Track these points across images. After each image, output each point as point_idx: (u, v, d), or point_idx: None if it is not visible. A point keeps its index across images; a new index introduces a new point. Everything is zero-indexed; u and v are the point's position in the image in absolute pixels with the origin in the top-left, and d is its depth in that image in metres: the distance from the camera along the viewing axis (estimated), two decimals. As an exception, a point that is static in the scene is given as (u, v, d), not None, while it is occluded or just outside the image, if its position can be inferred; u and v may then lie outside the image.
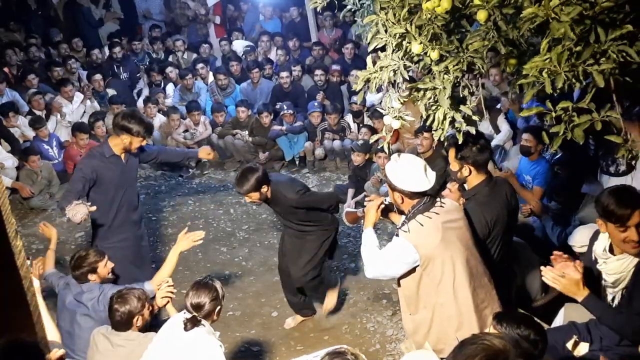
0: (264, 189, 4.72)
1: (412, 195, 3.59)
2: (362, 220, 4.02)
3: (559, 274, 3.30)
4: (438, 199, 3.67)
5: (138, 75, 11.00)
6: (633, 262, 3.28)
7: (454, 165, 4.17)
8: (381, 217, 3.95)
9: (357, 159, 7.85)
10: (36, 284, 3.65)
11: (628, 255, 3.29)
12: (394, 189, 3.62)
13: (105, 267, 4.38)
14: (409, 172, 3.56)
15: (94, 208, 4.69)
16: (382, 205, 3.83)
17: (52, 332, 3.64)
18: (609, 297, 3.47)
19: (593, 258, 3.54)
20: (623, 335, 3.38)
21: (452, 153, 4.16)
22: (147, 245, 5.66)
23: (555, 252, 3.59)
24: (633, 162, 5.39)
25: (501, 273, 4.21)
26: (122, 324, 3.86)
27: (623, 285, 3.36)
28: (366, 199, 4.01)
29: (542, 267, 3.41)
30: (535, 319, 4.02)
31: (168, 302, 4.19)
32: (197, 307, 3.63)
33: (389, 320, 5.55)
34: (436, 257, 3.55)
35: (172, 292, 4.18)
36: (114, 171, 5.06)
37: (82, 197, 4.93)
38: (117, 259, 4.99)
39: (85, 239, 7.33)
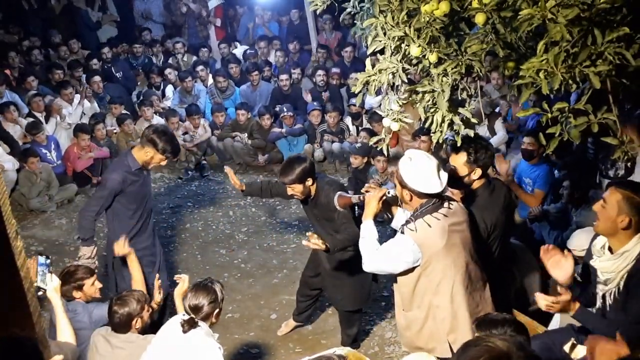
0: (309, 182, 4.51)
1: (422, 195, 3.54)
2: (355, 207, 3.97)
3: (553, 300, 3.32)
4: (447, 200, 3.63)
5: (138, 78, 11.01)
6: (624, 264, 3.29)
7: (462, 170, 4.08)
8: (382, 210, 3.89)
9: (356, 161, 7.89)
10: (56, 282, 3.64)
11: (620, 257, 3.30)
12: (404, 186, 3.56)
13: (92, 285, 4.25)
14: (422, 172, 3.49)
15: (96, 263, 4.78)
16: (384, 197, 3.76)
17: (67, 333, 3.62)
18: (600, 294, 3.47)
19: (591, 254, 3.56)
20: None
21: (462, 157, 4.05)
22: (159, 252, 5.41)
23: (542, 247, 3.59)
24: (629, 164, 5.43)
25: (499, 275, 4.22)
26: (120, 325, 3.87)
27: (613, 285, 3.35)
28: (366, 187, 3.90)
29: (536, 295, 3.42)
30: (523, 317, 4.06)
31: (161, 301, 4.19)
32: (195, 309, 3.63)
33: (387, 322, 5.56)
34: (438, 260, 3.53)
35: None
36: (138, 184, 4.97)
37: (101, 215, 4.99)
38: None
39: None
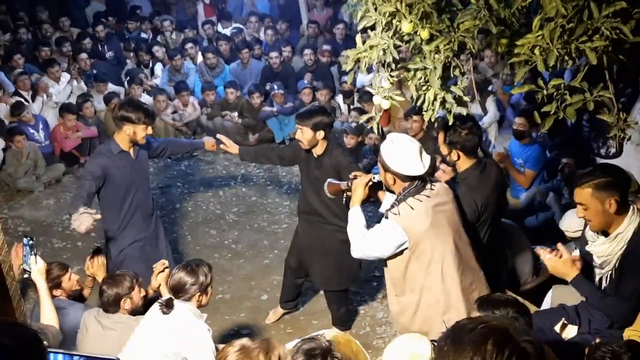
0: (320, 134, 4.48)
1: (405, 177, 3.54)
2: (345, 194, 3.95)
3: (554, 254, 3.31)
4: (429, 182, 3.62)
5: (127, 55, 10.86)
6: (619, 246, 3.28)
7: (443, 150, 4.13)
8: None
9: (350, 141, 7.82)
10: (40, 264, 3.52)
11: (615, 240, 3.28)
12: (387, 169, 3.57)
13: (70, 280, 4.18)
14: (404, 154, 3.50)
15: (98, 216, 4.42)
16: (370, 183, 3.77)
17: (50, 316, 3.53)
18: (597, 278, 3.48)
19: (586, 240, 3.54)
20: (608, 317, 3.40)
21: (441, 137, 4.11)
22: (165, 247, 5.23)
23: (537, 250, 3.58)
24: (625, 143, 5.39)
25: (491, 256, 4.19)
26: (109, 305, 3.85)
27: (609, 268, 3.36)
28: (352, 174, 3.91)
29: (538, 248, 3.41)
30: (519, 298, 4.04)
31: (160, 284, 4.12)
32: (176, 289, 3.61)
33: (379, 303, 5.53)
34: (425, 241, 3.52)
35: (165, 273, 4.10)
36: (123, 169, 4.79)
37: (91, 200, 4.69)
38: (129, 261, 4.81)
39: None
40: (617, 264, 3.31)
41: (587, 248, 3.47)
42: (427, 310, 3.64)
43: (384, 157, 3.56)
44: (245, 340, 2.69)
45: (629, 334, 3.23)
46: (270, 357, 2.51)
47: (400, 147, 3.52)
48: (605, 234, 3.34)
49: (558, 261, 3.38)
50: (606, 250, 3.33)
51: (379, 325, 5.27)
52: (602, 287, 3.42)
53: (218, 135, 5.19)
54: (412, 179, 3.55)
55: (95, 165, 4.74)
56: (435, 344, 3.53)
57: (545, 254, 3.38)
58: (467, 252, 3.70)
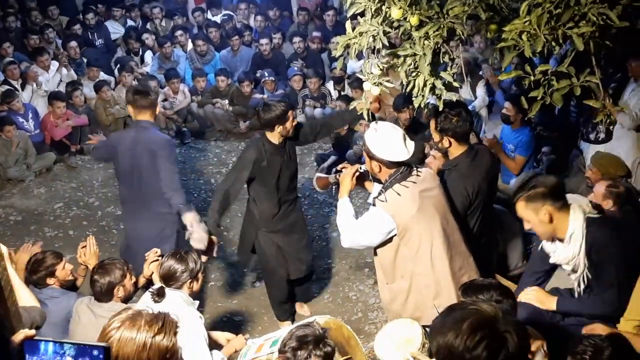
0: None
1: (390, 164, 3.57)
2: (334, 187, 3.98)
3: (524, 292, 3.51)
4: (415, 168, 3.65)
5: (117, 43, 10.79)
6: (577, 245, 3.28)
7: (435, 137, 4.14)
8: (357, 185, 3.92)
9: (342, 130, 7.83)
10: (3, 249, 3.49)
11: (571, 240, 3.29)
12: (372, 157, 3.60)
13: (63, 269, 4.18)
14: (388, 141, 3.53)
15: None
16: (357, 173, 3.79)
17: (28, 297, 3.51)
18: (575, 283, 3.48)
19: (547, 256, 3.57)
20: (603, 313, 3.37)
21: (432, 124, 4.12)
22: None
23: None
24: (611, 128, 5.41)
25: (483, 240, 4.22)
26: (102, 294, 3.84)
27: (582, 269, 3.35)
28: (339, 166, 3.93)
29: (528, 289, 3.57)
30: (509, 283, 4.08)
31: (152, 273, 4.13)
32: (166, 277, 3.63)
33: (370, 288, 5.56)
34: (413, 227, 3.54)
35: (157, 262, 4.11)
36: None
37: None
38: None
39: (64, 210, 7.25)
40: (586, 263, 3.33)
41: (551, 261, 3.51)
42: (418, 295, 3.67)
43: (369, 144, 3.58)
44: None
45: (624, 323, 3.24)
46: (152, 327, 2.30)
47: (384, 134, 3.55)
48: (561, 239, 3.37)
49: (536, 296, 3.49)
50: (569, 254, 3.34)
51: (371, 310, 5.30)
52: (582, 290, 3.44)
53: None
54: (397, 165, 3.58)
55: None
56: (427, 329, 3.58)
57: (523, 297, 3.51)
58: (455, 237, 3.72)
